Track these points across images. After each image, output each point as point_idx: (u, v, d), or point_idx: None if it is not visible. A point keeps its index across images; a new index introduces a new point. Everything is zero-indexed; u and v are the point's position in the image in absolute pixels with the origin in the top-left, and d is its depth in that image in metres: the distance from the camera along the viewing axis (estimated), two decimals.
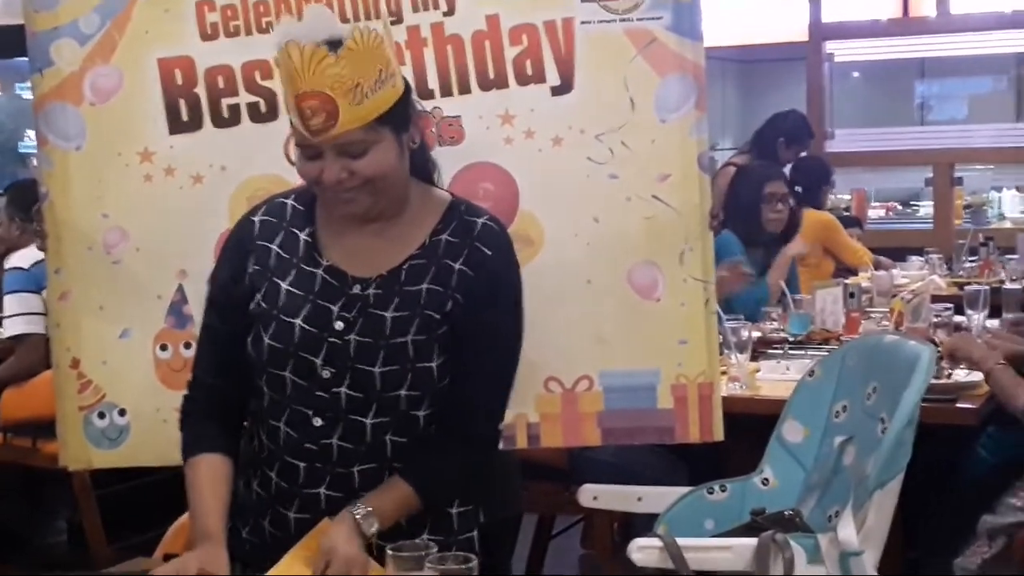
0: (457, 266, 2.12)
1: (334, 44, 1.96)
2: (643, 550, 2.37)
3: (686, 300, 2.78)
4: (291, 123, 2.05)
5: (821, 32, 8.22)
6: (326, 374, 2.07)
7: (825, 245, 6.03)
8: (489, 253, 2.14)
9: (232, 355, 2.16)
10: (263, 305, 2.11)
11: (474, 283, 2.12)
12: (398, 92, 2.06)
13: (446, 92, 2.73)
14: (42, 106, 2.80)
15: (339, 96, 1.95)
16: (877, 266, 6.02)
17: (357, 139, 1.99)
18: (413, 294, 2.08)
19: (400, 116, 2.07)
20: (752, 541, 2.33)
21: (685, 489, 2.72)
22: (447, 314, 2.10)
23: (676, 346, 2.78)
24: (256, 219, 2.21)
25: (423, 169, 2.21)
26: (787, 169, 6.07)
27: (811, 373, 2.81)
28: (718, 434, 2.80)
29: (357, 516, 2.01)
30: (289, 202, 2.20)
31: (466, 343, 2.12)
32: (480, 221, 2.17)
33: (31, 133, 10.75)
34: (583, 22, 2.73)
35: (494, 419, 2.23)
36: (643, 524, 2.72)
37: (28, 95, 10.45)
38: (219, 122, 2.78)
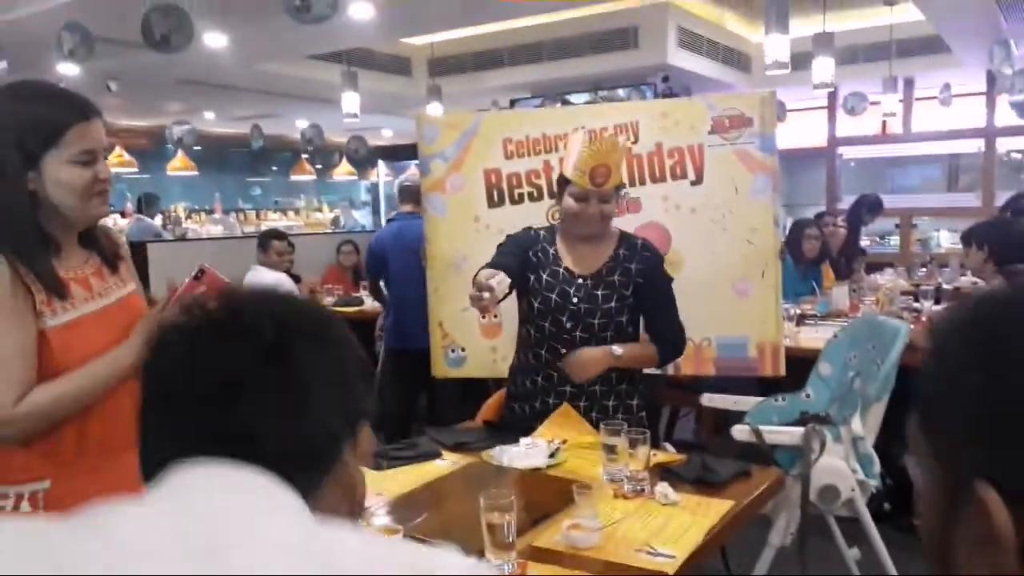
0: (634, 266, 2.07)
1: (616, 142, 2.04)
2: (739, 431, 2.36)
3: (764, 298, 2.71)
4: (573, 181, 2.01)
5: (835, 141, 7.85)
6: (568, 325, 2.06)
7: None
8: (649, 254, 2.11)
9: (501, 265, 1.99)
10: (535, 286, 2.09)
11: (649, 269, 2.08)
12: (623, 181, 2.09)
13: (632, 184, 2.74)
14: (426, 195, 2.91)
15: (613, 168, 2.00)
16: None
17: (609, 193, 2.02)
18: (610, 282, 2.06)
19: (621, 191, 2.10)
20: (800, 429, 2.28)
21: (760, 399, 2.64)
22: (634, 290, 2.06)
23: (759, 323, 2.72)
24: (532, 232, 2.20)
25: None
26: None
27: (835, 335, 2.69)
28: (781, 371, 2.74)
29: (613, 345, 2.03)
30: (543, 232, 2.18)
31: (655, 300, 2.09)
32: (639, 240, 2.13)
33: None
34: (709, 146, 2.70)
35: (682, 333, 2.14)
36: (734, 418, 2.65)
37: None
38: (513, 202, 2.85)
